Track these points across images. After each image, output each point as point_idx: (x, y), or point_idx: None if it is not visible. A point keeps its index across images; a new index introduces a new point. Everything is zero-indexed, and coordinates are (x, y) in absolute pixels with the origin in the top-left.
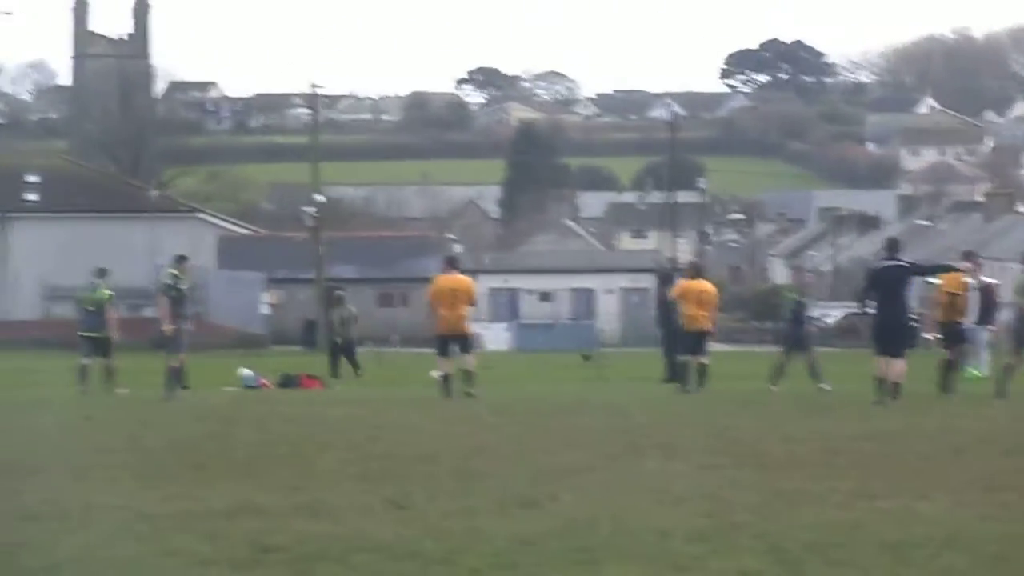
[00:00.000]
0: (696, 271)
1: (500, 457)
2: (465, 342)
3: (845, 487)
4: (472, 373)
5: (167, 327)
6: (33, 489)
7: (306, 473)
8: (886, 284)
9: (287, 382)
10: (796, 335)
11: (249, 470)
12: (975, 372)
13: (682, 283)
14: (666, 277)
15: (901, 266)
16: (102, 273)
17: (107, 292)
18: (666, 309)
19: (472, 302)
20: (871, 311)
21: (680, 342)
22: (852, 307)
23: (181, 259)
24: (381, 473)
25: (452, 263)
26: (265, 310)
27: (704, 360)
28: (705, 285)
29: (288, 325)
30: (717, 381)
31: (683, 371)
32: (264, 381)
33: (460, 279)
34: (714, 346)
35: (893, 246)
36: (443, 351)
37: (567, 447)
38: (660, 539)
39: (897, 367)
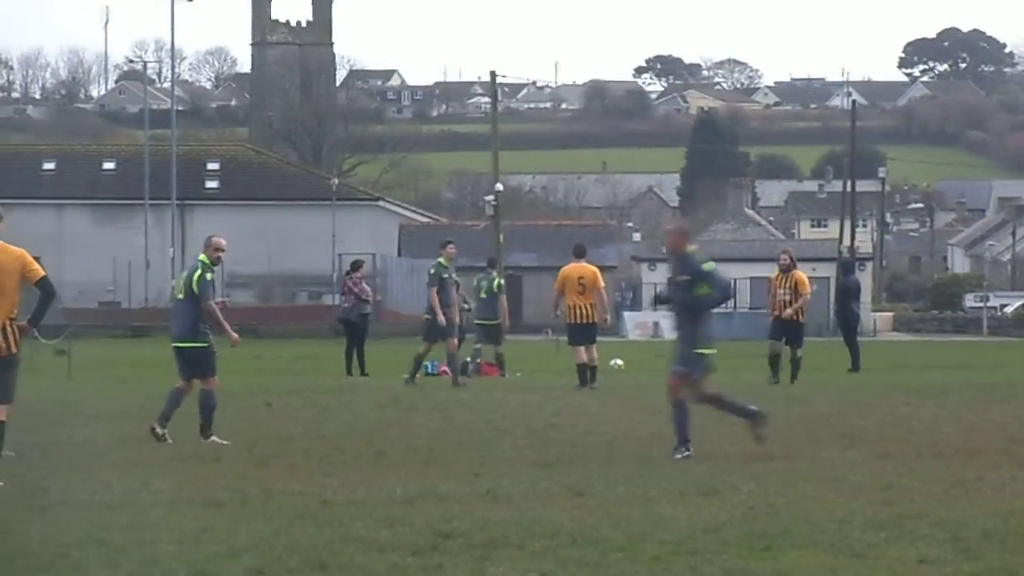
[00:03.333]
0: (847, 267)
1: None
2: (592, 332)
3: None
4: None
5: (440, 317)
6: (215, 476)
7: (485, 460)
8: None
9: (466, 369)
10: None
11: (429, 457)
12: None
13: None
14: (848, 266)
15: None
16: (493, 263)
17: (499, 281)
18: (846, 297)
19: (599, 290)
20: None
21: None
22: None
23: (445, 244)
24: (560, 460)
25: (580, 252)
26: None
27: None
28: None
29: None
30: (897, 371)
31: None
32: (444, 368)
33: (587, 268)
34: (893, 335)
35: None
36: (578, 340)
37: (746, 436)
38: (839, 527)
39: None
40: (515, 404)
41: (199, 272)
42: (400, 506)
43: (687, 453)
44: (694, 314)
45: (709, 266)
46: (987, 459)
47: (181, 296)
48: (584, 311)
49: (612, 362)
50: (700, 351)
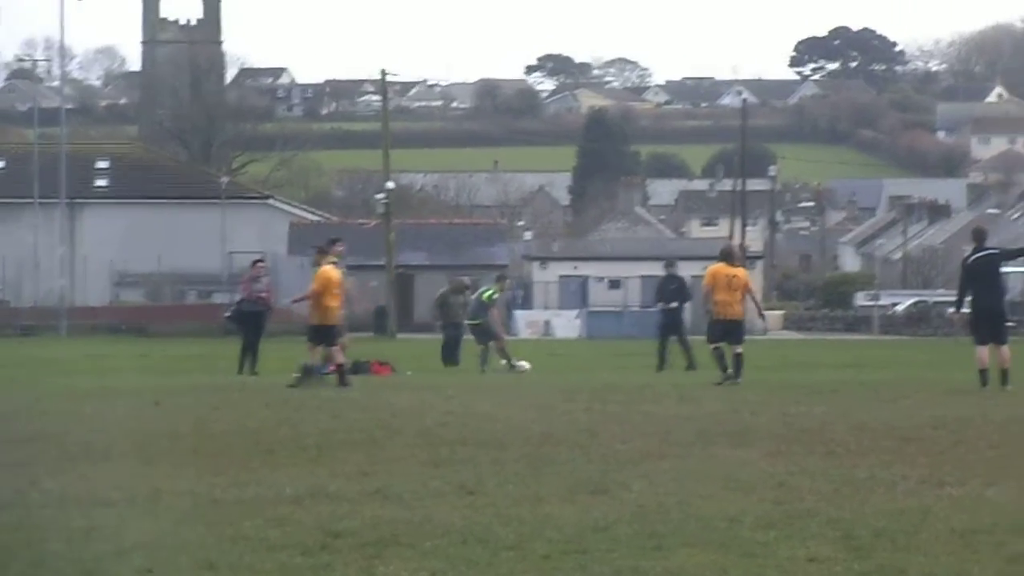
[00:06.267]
0: (727, 256)
1: (570, 444)
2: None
3: (914, 474)
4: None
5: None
6: (104, 475)
7: (376, 459)
8: (981, 274)
9: (357, 368)
10: None
11: (319, 456)
12: None
13: (711, 268)
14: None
15: (992, 254)
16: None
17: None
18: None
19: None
20: (964, 305)
21: (710, 330)
22: (922, 295)
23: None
24: (451, 459)
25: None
26: None
27: (739, 349)
28: (737, 271)
29: (359, 311)
30: (788, 369)
31: (719, 358)
32: (334, 367)
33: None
34: (783, 334)
35: (981, 236)
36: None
37: (637, 435)
38: (730, 526)
39: (1005, 353)
40: (405, 403)
41: None
42: (289, 505)
43: None
44: None
45: None
46: (878, 458)
47: None
48: None
49: (519, 364)
50: None
